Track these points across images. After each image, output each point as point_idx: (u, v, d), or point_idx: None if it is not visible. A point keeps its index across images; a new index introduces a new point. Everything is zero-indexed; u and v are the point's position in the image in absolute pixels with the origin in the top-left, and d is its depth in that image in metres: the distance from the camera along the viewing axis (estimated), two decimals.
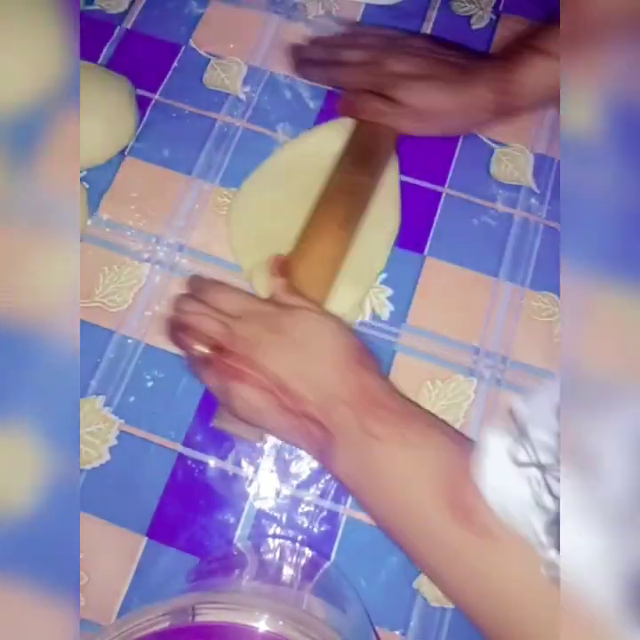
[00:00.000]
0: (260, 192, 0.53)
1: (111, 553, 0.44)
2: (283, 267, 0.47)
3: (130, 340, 0.48)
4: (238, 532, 0.45)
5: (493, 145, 0.55)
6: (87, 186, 0.53)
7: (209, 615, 0.30)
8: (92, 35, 0.58)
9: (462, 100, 0.51)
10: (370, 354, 0.42)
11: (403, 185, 0.54)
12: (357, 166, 0.52)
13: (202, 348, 0.41)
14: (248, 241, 0.52)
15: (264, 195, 0.53)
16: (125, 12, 0.60)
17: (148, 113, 0.56)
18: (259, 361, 0.40)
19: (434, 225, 0.53)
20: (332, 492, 0.45)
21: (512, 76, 0.50)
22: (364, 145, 0.53)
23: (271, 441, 0.46)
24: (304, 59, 0.57)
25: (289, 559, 0.43)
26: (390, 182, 0.53)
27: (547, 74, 0.49)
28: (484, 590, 0.34)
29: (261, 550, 0.43)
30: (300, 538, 0.45)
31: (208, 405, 0.47)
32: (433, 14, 0.61)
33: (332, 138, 0.54)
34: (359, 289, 0.50)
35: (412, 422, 0.38)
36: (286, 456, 0.46)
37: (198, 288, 0.46)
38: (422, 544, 0.37)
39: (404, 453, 0.37)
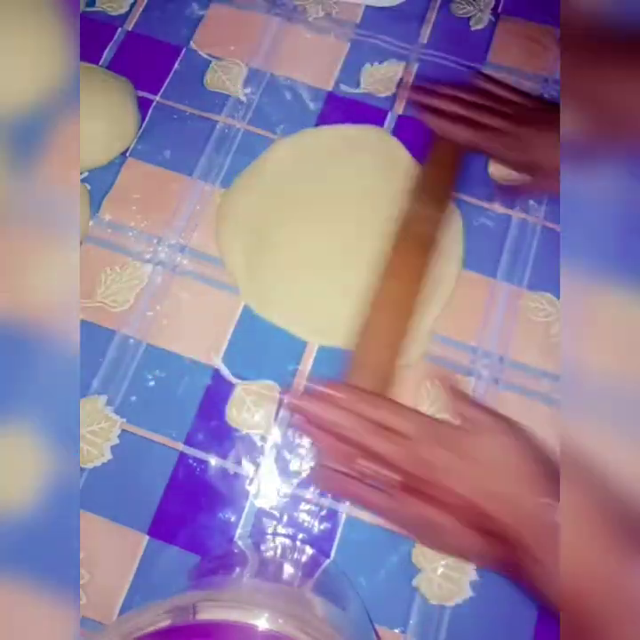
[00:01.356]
0: (251, 191, 0.53)
1: (112, 551, 0.44)
2: (455, 387, 0.45)
3: (131, 340, 0.49)
4: (239, 531, 0.45)
5: None
6: (89, 187, 0.53)
7: (210, 613, 0.30)
8: (94, 36, 0.58)
9: None
10: (555, 470, 0.39)
11: None
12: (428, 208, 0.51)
13: (393, 475, 0.39)
14: (235, 241, 0.52)
15: (255, 194, 0.53)
16: (126, 14, 0.60)
17: (149, 114, 0.56)
18: (447, 484, 0.38)
19: None
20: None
21: None
22: (435, 184, 0.52)
23: (271, 440, 0.47)
24: (436, 108, 0.54)
25: (289, 557, 0.43)
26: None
27: None
28: None
29: (262, 548, 0.44)
30: (300, 536, 0.45)
31: (209, 405, 0.47)
32: (432, 16, 0.61)
33: (326, 140, 0.55)
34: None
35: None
36: (286, 455, 0.46)
37: (369, 407, 0.42)
38: None
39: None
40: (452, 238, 0.51)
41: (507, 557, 0.37)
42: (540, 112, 0.52)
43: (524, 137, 0.50)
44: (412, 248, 0.49)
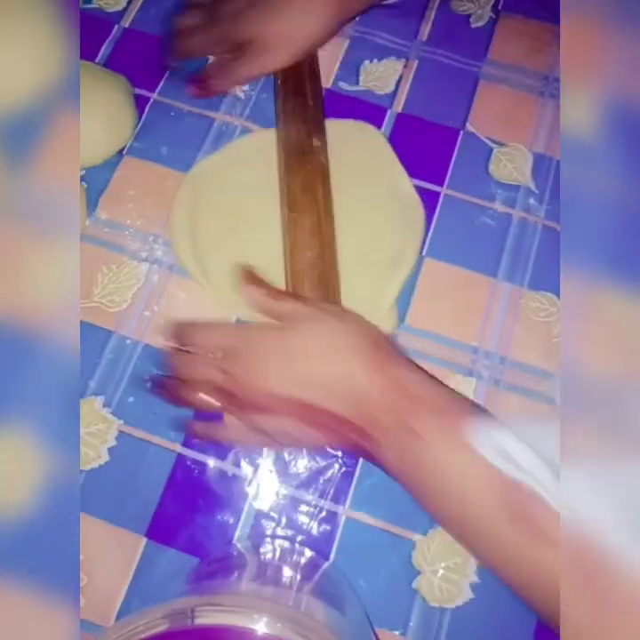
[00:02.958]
0: (211, 178, 0.53)
1: (110, 554, 0.44)
2: (253, 276, 0.44)
3: (129, 341, 0.48)
4: (238, 533, 0.45)
5: (492, 144, 0.55)
6: (85, 185, 0.53)
7: (208, 618, 0.30)
8: (90, 33, 0.58)
9: (298, 20, 0.50)
10: (393, 344, 0.40)
11: None
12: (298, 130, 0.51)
13: (208, 399, 0.40)
14: (188, 228, 0.51)
15: (214, 181, 0.53)
16: (123, 11, 0.60)
17: (146, 112, 0.56)
18: (269, 387, 0.38)
19: (432, 225, 0.52)
20: (332, 491, 0.45)
21: None
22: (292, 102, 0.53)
23: None
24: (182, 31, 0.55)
25: (288, 559, 0.43)
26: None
27: None
28: (544, 586, 0.33)
29: (261, 550, 0.43)
30: (299, 538, 0.45)
31: None
32: (432, 13, 0.61)
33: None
34: (382, 280, 0.49)
35: (454, 418, 0.36)
36: (286, 456, 0.46)
37: (181, 335, 0.44)
38: (481, 543, 0.36)
39: (456, 454, 0.35)
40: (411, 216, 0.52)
41: (347, 444, 0.39)
42: None
43: (224, 10, 0.52)
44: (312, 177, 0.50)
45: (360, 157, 0.54)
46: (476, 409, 0.40)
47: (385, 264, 0.50)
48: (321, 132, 0.52)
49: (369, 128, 0.55)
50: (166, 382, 0.44)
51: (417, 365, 0.41)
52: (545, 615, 0.34)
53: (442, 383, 0.40)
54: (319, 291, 0.46)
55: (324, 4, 0.50)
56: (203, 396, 0.40)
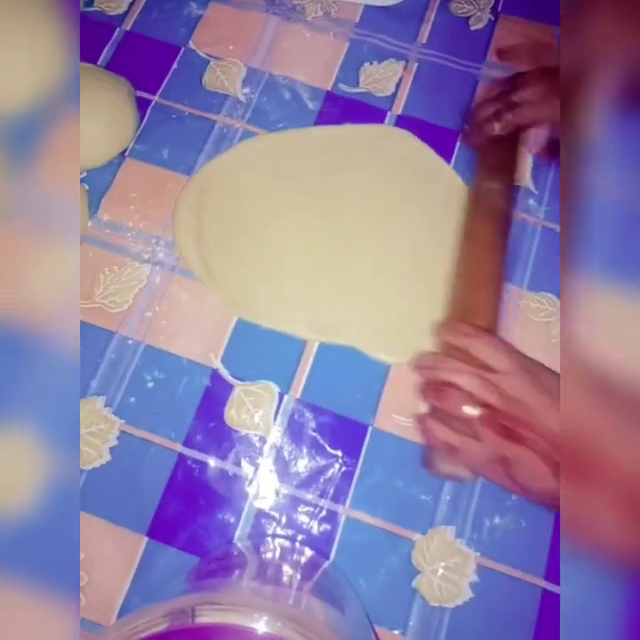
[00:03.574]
0: (216, 180, 0.53)
1: (111, 553, 0.44)
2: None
3: (130, 341, 0.49)
4: (238, 532, 0.45)
5: None
6: (87, 187, 0.53)
7: (209, 616, 0.30)
8: (92, 36, 0.58)
9: None
10: None
11: None
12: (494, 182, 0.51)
13: (472, 411, 0.39)
14: (193, 228, 0.51)
15: (219, 184, 0.53)
16: (125, 14, 0.60)
17: (147, 114, 0.56)
18: (538, 422, 0.37)
19: None
20: (332, 491, 0.45)
21: None
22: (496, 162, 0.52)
23: (270, 440, 0.47)
24: (482, 120, 0.54)
25: (289, 559, 0.43)
26: None
27: None
28: None
29: (261, 550, 0.44)
30: (299, 537, 0.45)
31: (208, 406, 0.47)
32: (431, 15, 0.61)
33: (302, 140, 0.55)
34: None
35: None
36: (286, 456, 0.46)
37: (458, 335, 0.43)
38: None
39: None
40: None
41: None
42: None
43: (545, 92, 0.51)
44: (484, 220, 0.49)
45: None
46: None
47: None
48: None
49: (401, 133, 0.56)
50: (428, 378, 0.43)
51: None
52: None
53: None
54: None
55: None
56: (471, 408, 0.39)
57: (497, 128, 0.52)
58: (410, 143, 0.55)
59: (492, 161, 0.52)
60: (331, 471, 0.46)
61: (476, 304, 0.46)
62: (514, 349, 0.42)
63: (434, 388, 0.42)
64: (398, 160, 0.55)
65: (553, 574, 0.43)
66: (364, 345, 0.49)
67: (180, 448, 0.46)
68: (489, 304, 0.46)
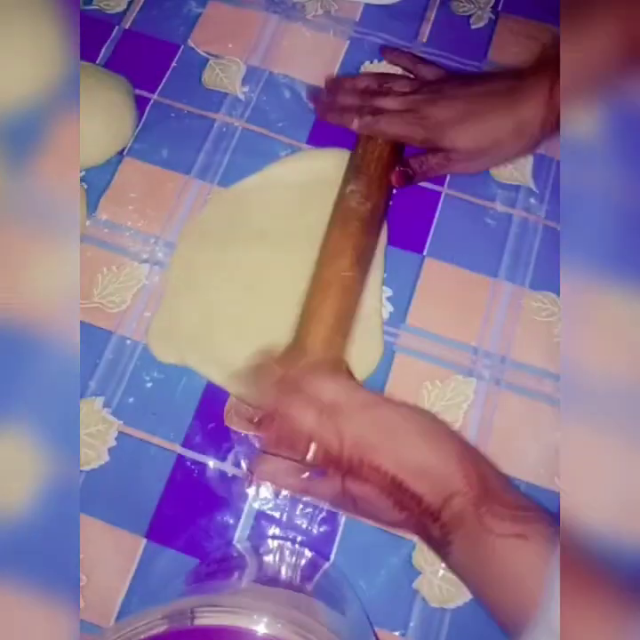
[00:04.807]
0: (201, 250, 0.51)
1: (110, 554, 0.44)
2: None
3: (129, 341, 0.48)
4: (238, 533, 0.44)
5: None
6: (86, 186, 0.53)
7: (208, 618, 0.30)
8: (91, 34, 0.58)
9: (514, 122, 0.49)
10: (476, 450, 0.41)
11: None
12: (363, 199, 0.49)
13: (312, 456, 0.39)
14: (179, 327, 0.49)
15: (205, 256, 0.51)
16: (124, 12, 0.60)
17: (146, 113, 0.56)
18: (376, 463, 0.38)
19: (433, 225, 0.53)
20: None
21: (553, 89, 0.47)
22: (369, 176, 0.51)
23: None
24: (332, 104, 0.55)
25: (288, 560, 0.43)
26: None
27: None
28: None
29: (261, 551, 0.43)
30: (299, 539, 0.44)
31: (207, 406, 0.47)
32: (432, 14, 0.61)
33: (276, 178, 0.54)
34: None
35: (527, 518, 0.36)
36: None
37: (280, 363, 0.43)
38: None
39: (518, 548, 0.35)
40: None
41: (417, 525, 0.39)
42: (442, 84, 0.53)
43: (424, 113, 0.51)
44: (347, 225, 0.48)
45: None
46: (546, 513, 0.38)
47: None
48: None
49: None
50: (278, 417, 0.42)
51: (497, 468, 0.41)
52: None
53: (518, 489, 0.42)
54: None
55: (543, 128, 0.49)
56: (312, 453, 0.39)
57: (355, 125, 0.53)
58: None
59: (357, 161, 0.52)
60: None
61: (321, 312, 0.45)
62: (350, 385, 0.42)
63: (277, 435, 0.41)
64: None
65: None
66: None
67: (179, 449, 0.46)
68: (332, 313, 0.45)
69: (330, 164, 0.53)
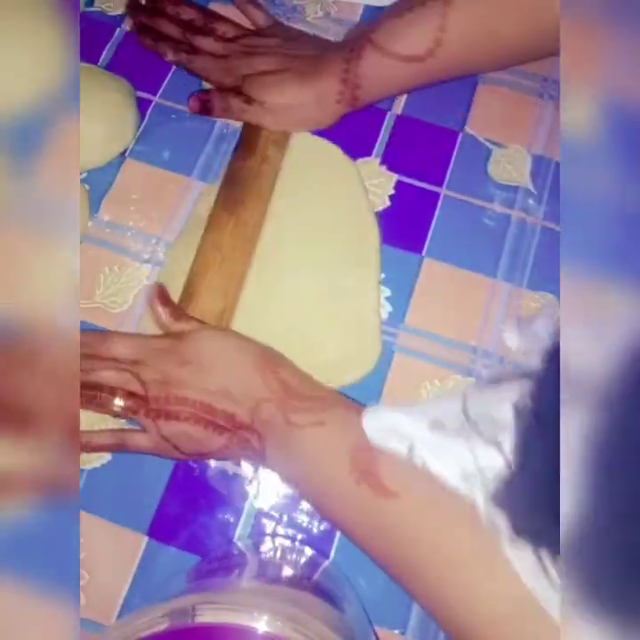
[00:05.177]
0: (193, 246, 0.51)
1: (111, 552, 0.44)
2: (162, 294, 0.46)
3: None
4: (238, 531, 0.45)
5: (491, 146, 0.55)
6: (88, 187, 0.53)
7: (209, 616, 0.30)
8: (92, 36, 0.58)
9: (314, 92, 0.51)
10: (276, 351, 0.44)
11: (400, 185, 0.54)
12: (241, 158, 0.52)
13: (120, 402, 0.42)
14: None
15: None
16: (125, 14, 0.60)
17: (148, 115, 0.56)
18: (181, 395, 0.41)
19: (432, 226, 0.53)
20: None
21: (355, 68, 0.49)
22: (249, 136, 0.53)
23: None
24: (150, 27, 0.56)
25: (289, 558, 0.43)
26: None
27: (381, 70, 0.49)
28: (390, 541, 0.38)
29: (261, 549, 0.44)
30: (299, 537, 0.45)
31: None
32: None
33: None
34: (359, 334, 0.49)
35: (325, 406, 0.41)
36: None
37: (89, 343, 0.44)
38: (339, 510, 0.40)
39: (318, 433, 0.40)
40: (361, 214, 0.52)
41: (241, 443, 0.41)
42: (263, 37, 0.55)
43: (239, 62, 0.53)
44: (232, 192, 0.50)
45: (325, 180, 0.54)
46: (355, 404, 0.42)
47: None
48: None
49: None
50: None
51: (297, 368, 0.44)
52: (389, 572, 0.39)
53: (319, 383, 0.44)
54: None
55: (336, 103, 0.51)
56: (113, 399, 0.42)
57: (169, 57, 0.55)
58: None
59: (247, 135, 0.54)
60: None
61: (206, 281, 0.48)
62: (143, 337, 0.45)
63: (85, 394, 0.42)
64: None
65: None
66: None
67: None
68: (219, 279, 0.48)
69: (311, 151, 0.54)
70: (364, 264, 0.50)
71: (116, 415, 0.43)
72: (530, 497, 0.34)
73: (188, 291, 0.48)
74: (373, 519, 0.37)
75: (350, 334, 0.48)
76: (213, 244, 0.49)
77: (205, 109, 0.54)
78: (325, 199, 0.53)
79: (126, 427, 0.44)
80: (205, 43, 0.54)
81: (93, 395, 0.42)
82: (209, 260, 0.48)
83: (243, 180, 0.51)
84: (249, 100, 0.52)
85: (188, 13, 0.56)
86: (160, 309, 0.45)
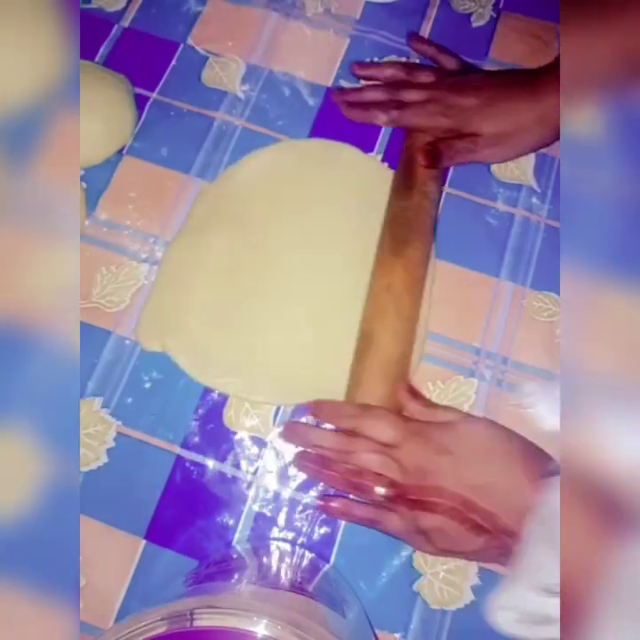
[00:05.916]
0: (188, 244, 0.51)
1: (109, 556, 0.43)
2: (412, 390, 0.45)
3: (127, 341, 0.48)
4: (237, 535, 0.44)
5: None
6: (85, 185, 0.53)
7: (207, 620, 0.29)
8: (90, 33, 0.58)
9: (534, 114, 0.50)
10: (542, 452, 0.41)
11: None
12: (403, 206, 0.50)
13: (381, 490, 0.40)
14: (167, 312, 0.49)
15: (190, 249, 0.51)
16: (123, 10, 0.60)
17: (145, 111, 0.56)
18: (439, 486, 0.38)
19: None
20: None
21: None
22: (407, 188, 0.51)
23: (269, 443, 0.46)
24: (359, 102, 0.55)
25: (288, 562, 0.43)
26: None
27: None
28: None
29: (260, 553, 0.43)
30: (299, 540, 0.44)
31: (206, 407, 0.47)
32: (433, 12, 0.61)
33: (259, 167, 0.54)
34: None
35: None
36: (285, 458, 0.46)
37: (351, 416, 0.43)
38: None
39: None
40: None
41: (500, 548, 0.38)
42: (464, 74, 0.54)
43: (449, 102, 0.52)
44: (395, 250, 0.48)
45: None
46: None
47: None
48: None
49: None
50: (324, 460, 0.43)
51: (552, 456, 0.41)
52: None
53: None
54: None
55: (550, 124, 0.50)
56: (375, 485, 0.40)
57: (381, 120, 0.54)
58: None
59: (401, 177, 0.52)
60: None
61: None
62: (400, 417, 0.43)
63: (346, 479, 0.42)
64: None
65: None
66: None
67: (178, 450, 0.46)
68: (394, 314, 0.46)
69: (304, 153, 0.54)
70: None
71: (376, 501, 0.41)
72: None
73: (367, 336, 0.46)
74: None
75: None
76: (386, 288, 0.47)
77: (435, 161, 0.51)
78: None
79: (384, 504, 0.41)
80: (412, 94, 0.53)
81: (357, 482, 0.41)
82: (382, 303, 0.47)
83: (406, 220, 0.49)
84: (473, 140, 0.51)
85: (388, 71, 0.56)
86: (413, 406, 0.44)
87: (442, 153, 0.51)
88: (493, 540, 0.38)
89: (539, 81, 0.51)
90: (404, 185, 0.51)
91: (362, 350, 0.46)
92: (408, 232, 0.49)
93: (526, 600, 0.34)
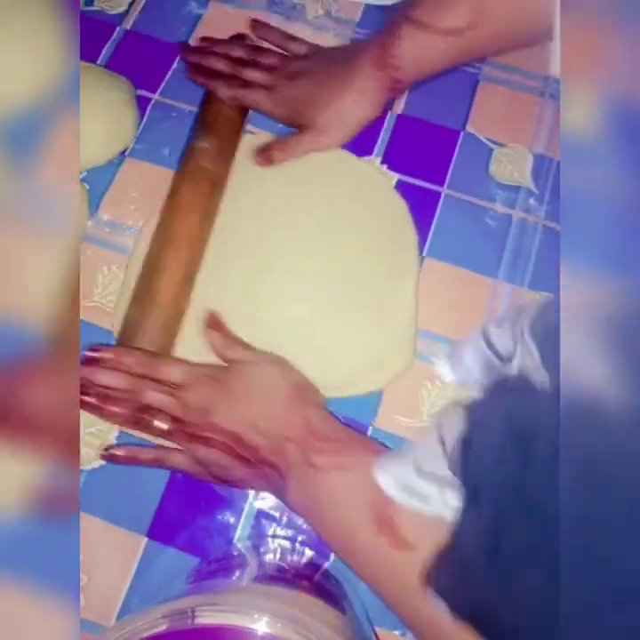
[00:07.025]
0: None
1: (111, 554, 0.44)
2: (215, 322, 0.47)
3: None
4: (238, 533, 0.45)
5: (492, 145, 0.55)
6: (87, 186, 0.53)
7: (208, 617, 0.30)
8: (92, 35, 0.58)
9: (354, 89, 0.51)
10: (311, 388, 0.44)
11: (401, 184, 0.54)
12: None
13: (161, 424, 0.43)
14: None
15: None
16: (125, 13, 0.60)
17: (147, 113, 0.56)
18: (215, 423, 0.42)
19: (432, 225, 0.53)
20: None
21: (393, 50, 0.49)
22: (221, 137, 0.53)
23: None
24: (201, 65, 0.56)
25: (289, 559, 0.43)
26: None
27: (420, 47, 0.49)
28: (406, 590, 0.36)
29: (261, 550, 0.43)
30: (299, 538, 0.45)
31: None
32: None
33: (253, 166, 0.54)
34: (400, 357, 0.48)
35: (348, 450, 0.40)
36: None
37: (144, 363, 0.44)
38: (358, 557, 0.39)
39: (339, 479, 0.39)
40: (401, 225, 0.52)
41: (263, 478, 0.42)
42: (305, 60, 0.55)
43: (286, 92, 0.53)
44: (199, 184, 0.50)
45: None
46: (379, 448, 0.42)
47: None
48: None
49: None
50: (121, 399, 0.44)
51: (327, 408, 0.44)
52: (403, 619, 0.38)
53: (348, 427, 0.44)
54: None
55: (376, 91, 0.51)
56: (156, 420, 0.43)
57: (223, 93, 0.54)
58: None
59: (210, 119, 0.54)
60: None
61: (166, 264, 0.48)
62: (195, 364, 0.45)
63: (127, 414, 0.43)
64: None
65: None
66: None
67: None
68: (179, 265, 0.48)
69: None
70: (401, 273, 0.50)
71: (157, 435, 0.44)
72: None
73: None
74: (390, 569, 0.37)
75: (384, 340, 0.48)
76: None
77: (269, 161, 0.53)
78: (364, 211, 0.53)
79: (166, 445, 0.44)
80: (255, 75, 0.54)
81: (140, 417, 0.43)
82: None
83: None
84: (302, 128, 0.53)
85: (234, 49, 0.56)
86: (214, 336, 0.46)
87: (274, 156, 0.53)
88: (258, 471, 0.41)
89: (358, 49, 0.52)
90: (220, 146, 0.53)
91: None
92: (213, 188, 0.51)
93: (406, 475, 0.37)
